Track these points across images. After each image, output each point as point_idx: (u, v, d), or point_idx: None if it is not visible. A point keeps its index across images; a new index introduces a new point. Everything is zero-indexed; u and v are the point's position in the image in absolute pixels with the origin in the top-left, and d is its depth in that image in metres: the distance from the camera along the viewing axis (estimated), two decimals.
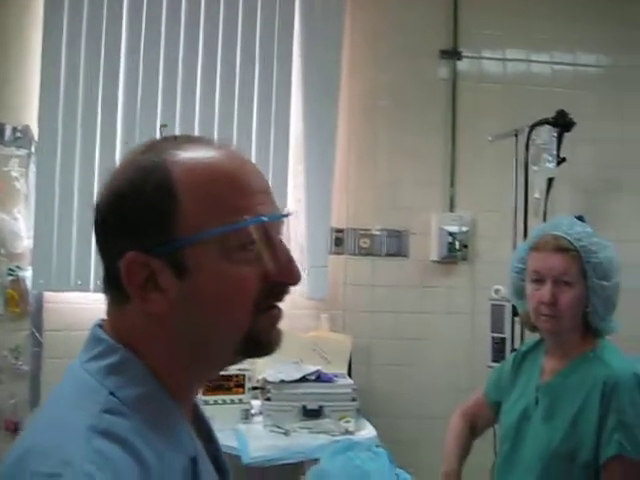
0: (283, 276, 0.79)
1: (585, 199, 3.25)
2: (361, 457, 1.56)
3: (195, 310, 0.76)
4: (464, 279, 3.19)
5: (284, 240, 0.82)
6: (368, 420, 2.73)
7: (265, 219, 0.78)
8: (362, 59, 3.21)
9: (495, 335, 2.83)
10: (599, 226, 3.23)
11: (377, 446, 1.80)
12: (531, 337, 2.03)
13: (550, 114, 2.79)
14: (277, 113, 3.10)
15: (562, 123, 2.67)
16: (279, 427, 2.58)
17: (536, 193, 2.73)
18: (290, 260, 0.80)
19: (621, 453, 1.62)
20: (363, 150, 3.20)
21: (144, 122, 2.98)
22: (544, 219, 2.77)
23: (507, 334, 2.80)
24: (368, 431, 2.65)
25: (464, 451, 2.01)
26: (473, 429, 2.08)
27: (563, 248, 1.75)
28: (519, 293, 1.89)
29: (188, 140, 0.82)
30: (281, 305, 0.81)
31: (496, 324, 2.84)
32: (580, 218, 3.30)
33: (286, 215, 0.86)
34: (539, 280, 1.77)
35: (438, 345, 3.20)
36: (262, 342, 0.80)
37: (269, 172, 3.07)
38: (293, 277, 0.80)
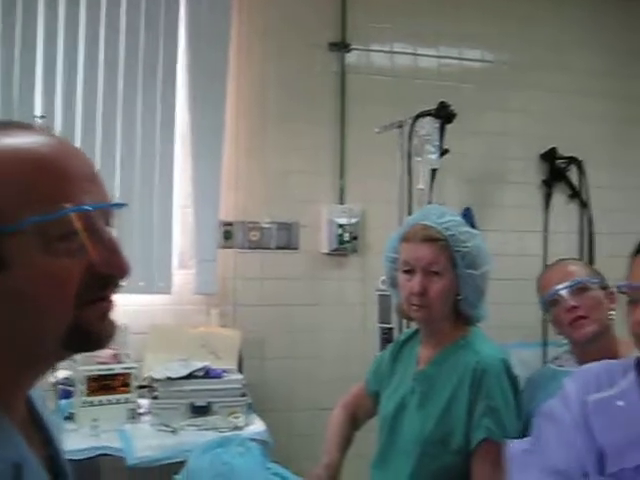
0: (109, 268, 0.75)
1: (472, 190, 3.33)
2: (231, 453, 1.53)
3: (14, 304, 0.72)
4: (354, 270, 3.20)
5: (115, 231, 0.79)
6: (260, 415, 2.70)
7: (88, 208, 0.73)
8: (251, 52, 3.16)
9: (383, 325, 2.86)
10: (485, 217, 3.37)
11: (252, 440, 1.77)
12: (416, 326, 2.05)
13: (433, 105, 2.85)
14: (163, 108, 3.01)
15: (444, 115, 2.72)
16: (167, 426, 2.51)
17: (420, 184, 2.77)
18: (116, 251, 0.76)
19: (489, 437, 1.64)
20: (252, 143, 3.16)
21: (22, 113, 2.84)
22: None
23: (394, 324, 2.83)
24: (257, 426, 2.62)
25: (345, 442, 2.01)
26: (355, 420, 2.09)
27: (432, 238, 1.76)
28: (393, 283, 1.90)
29: (5, 127, 0.77)
30: (113, 297, 0.79)
31: (383, 314, 2.86)
32: (467, 210, 3.38)
33: (116, 205, 0.81)
34: (410, 270, 1.78)
35: (330, 337, 3.21)
36: (91, 335, 0.77)
37: (155, 166, 2.98)
38: (119, 269, 0.76)
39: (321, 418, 2.90)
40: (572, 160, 3.48)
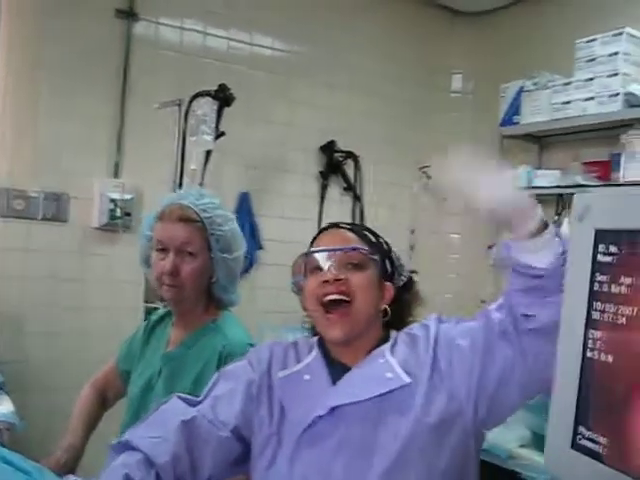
0: None
1: (251, 176, 3.36)
2: None
3: None
4: (125, 248, 3.10)
5: None
6: (15, 395, 2.54)
7: None
8: (23, 6, 2.93)
9: (148, 305, 2.82)
10: (263, 203, 3.42)
11: None
12: None
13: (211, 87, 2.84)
14: None
15: (222, 97, 2.72)
16: None
17: (192, 164, 2.76)
18: None
19: None
20: (22, 105, 2.94)
21: None
22: None
23: (159, 304, 2.80)
24: (4, 407, 2.46)
25: (92, 421, 1.97)
26: (104, 400, 2.04)
27: (188, 218, 1.76)
28: (147, 261, 1.86)
29: None
30: None
31: (150, 294, 2.82)
32: (244, 194, 3.41)
33: None
34: (163, 249, 1.75)
35: (98, 315, 3.09)
36: None
37: None
38: None
39: None
40: (349, 154, 3.64)
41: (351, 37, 3.68)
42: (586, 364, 1.25)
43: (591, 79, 2.88)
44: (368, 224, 3.62)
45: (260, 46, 3.48)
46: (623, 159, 2.82)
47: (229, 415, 1.35)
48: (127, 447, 1.28)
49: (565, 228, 2.78)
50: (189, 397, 1.41)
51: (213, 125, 2.69)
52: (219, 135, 2.75)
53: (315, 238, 1.46)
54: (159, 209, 1.83)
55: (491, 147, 3.40)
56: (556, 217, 3.21)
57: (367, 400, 1.27)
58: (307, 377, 1.36)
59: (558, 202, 3.24)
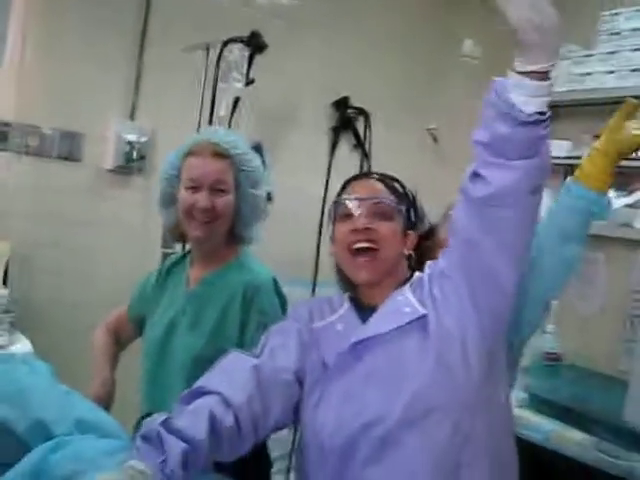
0: None
1: (264, 126, 3.32)
2: (20, 371, 1.42)
3: None
4: (138, 191, 3.05)
5: None
6: (24, 334, 2.51)
7: None
8: None
9: (166, 250, 2.80)
10: (275, 154, 3.40)
11: (36, 360, 1.65)
12: None
13: (242, 34, 2.79)
14: None
15: (255, 44, 2.68)
16: None
17: (222, 111, 2.73)
18: None
19: None
20: (41, 40, 2.83)
21: None
22: None
23: (177, 249, 2.79)
24: (22, 345, 2.45)
25: (114, 360, 2.00)
26: (118, 342, 2.06)
27: (220, 154, 1.77)
28: (167, 201, 1.86)
29: None
30: None
31: (167, 239, 2.80)
32: (257, 144, 3.37)
33: None
34: (194, 187, 1.76)
35: (107, 259, 3.03)
36: None
37: None
38: None
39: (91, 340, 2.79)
40: (361, 111, 3.63)
41: None
42: None
43: (613, 52, 2.93)
44: None
45: None
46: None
47: (288, 361, 1.43)
48: (198, 395, 1.30)
49: None
50: (247, 352, 1.48)
51: (244, 72, 2.66)
52: (249, 82, 2.72)
53: (345, 186, 1.56)
54: (186, 146, 1.83)
55: None
56: None
57: (387, 333, 1.38)
58: (340, 327, 1.47)
59: (566, 173, 3.30)
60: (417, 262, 1.53)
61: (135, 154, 2.97)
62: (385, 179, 1.54)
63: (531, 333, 1.71)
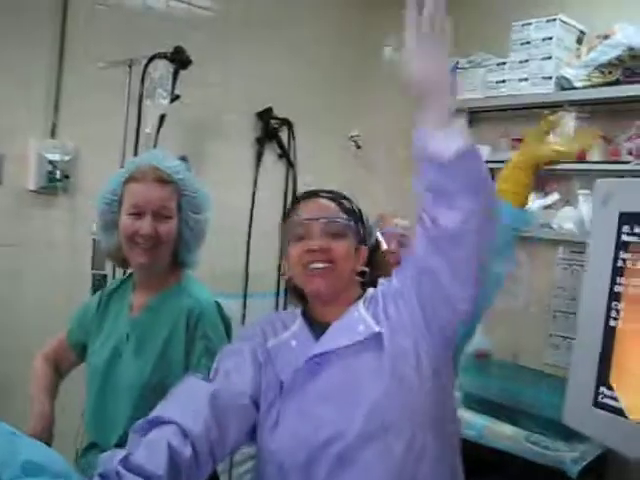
0: None
1: (188, 140, 3.30)
2: None
3: None
4: (64, 212, 2.97)
5: None
6: None
7: None
8: None
9: (96, 272, 2.75)
10: (199, 168, 3.38)
11: None
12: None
13: (164, 48, 2.76)
14: None
15: (179, 59, 2.66)
16: None
17: (148, 128, 2.70)
18: None
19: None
20: None
21: None
22: None
23: (108, 271, 2.74)
24: None
25: (52, 391, 1.95)
26: (57, 371, 2.02)
27: (164, 179, 1.76)
28: (108, 226, 1.84)
29: None
30: None
31: (97, 261, 2.75)
32: (183, 158, 3.36)
33: None
34: (137, 213, 1.74)
35: (33, 281, 2.93)
36: None
37: None
38: None
39: (21, 366, 2.70)
40: (285, 121, 3.66)
41: (290, 3, 3.68)
42: (608, 332, 1.41)
43: (526, 61, 3.07)
44: (300, 190, 3.72)
45: (199, 7, 3.39)
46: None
47: (244, 384, 1.43)
48: (154, 424, 1.29)
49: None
50: (202, 376, 1.47)
51: (169, 88, 2.63)
52: (174, 99, 2.70)
53: (295, 204, 1.57)
54: (127, 171, 1.81)
55: None
56: None
57: (342, 348, 1.41)
58: (294, 343, 1.49)
59: None
60: (371, 276, 1.59)
61: (59, 174, 2.88)
62: (334, 197, 1.56)
63: (467, 344, 1.78)
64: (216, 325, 1.80)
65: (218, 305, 1.84)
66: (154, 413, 1.32)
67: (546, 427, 2.61)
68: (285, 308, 3.73)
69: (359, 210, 1.60)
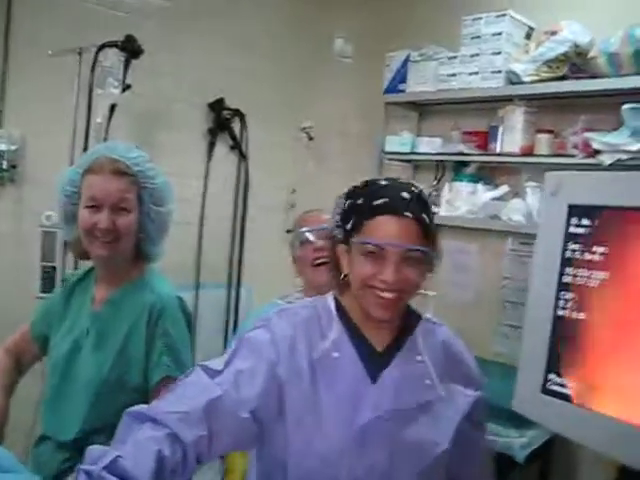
0: None
1: (140, 130, 3.25)
2: None
3: None
4: (10, 203, 2.90)
5: None
6: None
7: None
8: None
9: (45, 264, 2.70)
10: (151, 158, 3.32)
11: None
12: (86, 266, 1.97)
13: (113, 37, 2.72)
14: None
15: (130, 48, 2.62)
16: None
17: (99, 118, 2.65)
18: None
19: (168, 375, 1.69)
20: None
21: None
22: None
23: (58, 263, 2.70)
24: None
25: (10, 386, 1.91)
26: (18, 365, 1.97)
27: (121, 172, 1.73)
28: (69, 218, 1.81)
29: None
30: None
31: (47, 252, 2.70)
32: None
33: None
34: (96, 206, 1.71)
35: None
36: None
37: None
38: None
39: None
40: (236, 112, 3.64)
41: None
42: (556, 321, 1.46)
43: (476, 55, 3.11)
44: (252, 182, 3.72)
45: None
46: (501, 131, 3.10)
47: (251, 394, 1.34)
48: (149, 420, 1.24)
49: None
50: (211, 367, 1.37)
51: (120, 77, 2.59)
52: (125, 88, 2.65)
53: (371, 213, 1.37)
54: (84, 162, 1.77)
55: (373, 112, 3.57)
56: (435, 182, 3.46)
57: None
58: (336, 355, 1.40)
59: (437, 168, 3.48)
60: None
61: (5, 164, 2.82)
62: (417, 214, 1.36)
63: None
64: (177, 320, 1.78)
65: (180, 300, 1.82)
66: (151, 408, 1.27)
67: (497, 415, 2.67)
68: (237, 300, 3.73)
69: (433, 224, 1.43)
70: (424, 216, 1.37)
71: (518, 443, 2.57)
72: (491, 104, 3.16)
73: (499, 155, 3.11)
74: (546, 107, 3.04)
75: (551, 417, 1.38)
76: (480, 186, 3.20)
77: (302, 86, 3.93)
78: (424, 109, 3.59)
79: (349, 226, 1.41)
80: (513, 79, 3.01)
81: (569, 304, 1.39)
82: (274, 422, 1.37)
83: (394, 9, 3.77)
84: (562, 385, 1.40)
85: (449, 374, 1.43)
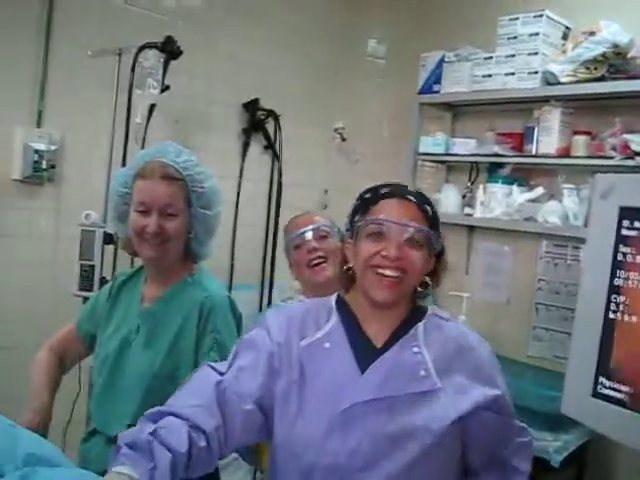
0: None
1: (176, 130, 3.28)
2: None
3: None
4: (49, 202, 2.94)
5: None
6: None
7: None
8: None
9: (84, 262, 2.72)
10: None
11: None
12: (124, 265, 1.99)
13: (151, 38, 2.74)
14: None
15: (169, 49, 2.65)
16: None
17: (138, 118, 2.68)
18: None
19: None
20: None
21: None
22: (142, 146, 2.74)
23: (97, 262, 2.71)
24: None
25: (53, 384, 1.92)
26: (62, 363, 2.00)
27: (171, 177, 1.75)
28: (121, 217, 1.84)
29: None
30: None
31: (85, 251, 2.72)
32: None
33: None
34: (145, 211, 1.74)
35: (18, 271, 2.89)
36: None
37: None
38: None
39: (4, 357, 2.68)
40: (271, 113, 3.65)
41: None
42: (607, 324, 1.44)
43: (512, 55, 3.09)
44: (285, 182, 3.73)
45: None
46: (536, 132, 3.08)
47: (252, 387, 1.39)
48: (167, 414, 1.29)
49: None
50: (217, 365, 1.45)
51: (159, 78, 2.62)
52: (164, 89, 2.68)
53: (375, 197, 1.44)
54: (136, 166, 1.80)
55: (407, 113, 3.57)
56: (469, 184, 3.44)
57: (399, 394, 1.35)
58: (327, 345, 1.42)
59: (472, 169, 3.47)
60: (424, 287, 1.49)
61: (45, 163, 2.85)
62: (420, 201, 1.43)
63: None
64: (227, 319, 1.80)
65: (230, 300, 1.84)
66: (170, 404, 1.33)
67: (532, 418, 2.65)
68: (269, 301, 3.73)
69: (438, 219, 1.48)
70: (427, 207, 1.43)
71: (553, 447, 2.56)
72: (527, 105, 3.15)
73: (535, 157, 3.09)
74: (582, 108, 3.02)
75: (602, 421, 1.37)
76: (515, 188, 3.19)
77: (335, 87, 3.95)
78: (458, 110, 3.58)
79: (357, 217, 1.45)
80: (550, 80, 2.99)
81: (620, 307, 1.38)
82: (274, 410, 1.41)
83: (428, 10, 3.77)
84: (614, 389, 1.38)
85: (457, 367, 1.40)
